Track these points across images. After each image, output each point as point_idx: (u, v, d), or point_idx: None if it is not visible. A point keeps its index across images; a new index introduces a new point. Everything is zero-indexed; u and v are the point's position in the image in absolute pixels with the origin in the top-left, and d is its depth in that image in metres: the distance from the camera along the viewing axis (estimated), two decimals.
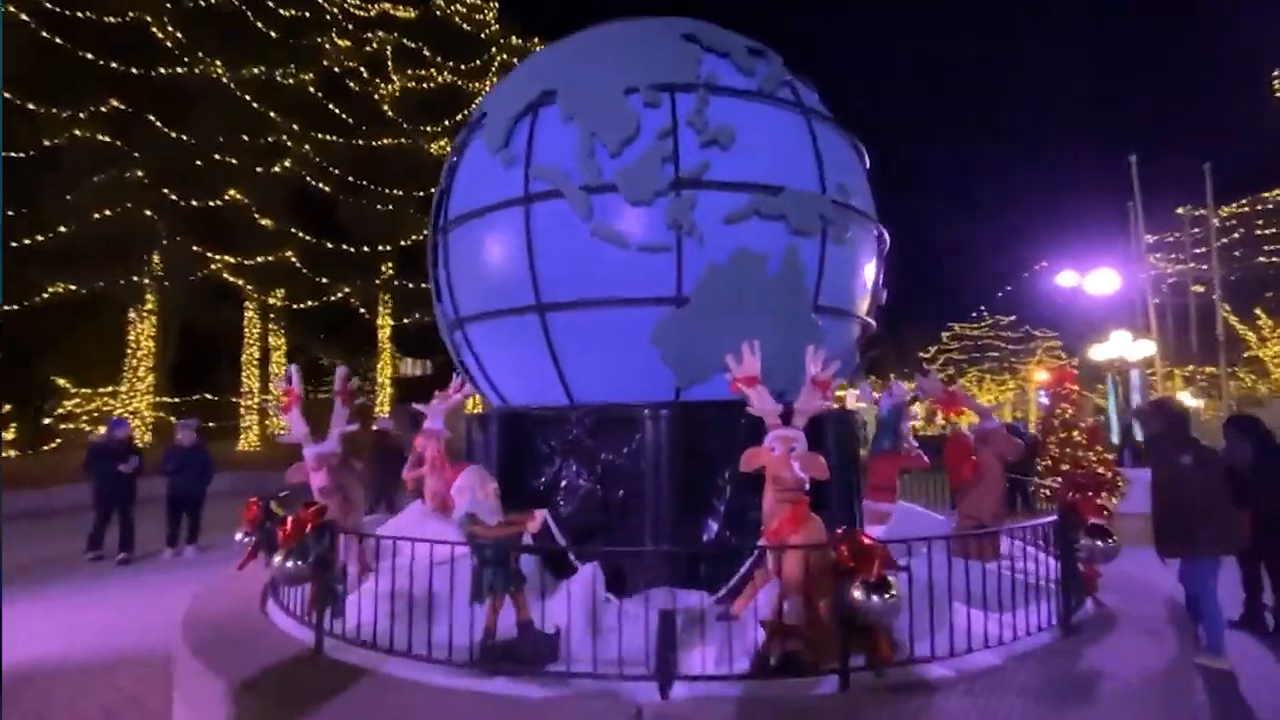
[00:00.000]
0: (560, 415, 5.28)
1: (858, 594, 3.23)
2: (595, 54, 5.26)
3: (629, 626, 3.76)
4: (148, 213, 15.14)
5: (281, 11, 19.83)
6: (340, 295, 24.33)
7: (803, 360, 5.00)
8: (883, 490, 7.45)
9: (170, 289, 19.82)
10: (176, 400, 24.47)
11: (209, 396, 25.88)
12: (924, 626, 3.68)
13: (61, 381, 19.98)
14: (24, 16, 12.16)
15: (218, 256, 19.18)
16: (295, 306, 23.92)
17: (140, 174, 14.42)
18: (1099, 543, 4.25)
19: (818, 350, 4.21)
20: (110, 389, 19.62)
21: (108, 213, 14.55)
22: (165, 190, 15.19)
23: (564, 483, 5.25)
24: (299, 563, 3.71)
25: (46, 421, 21.01)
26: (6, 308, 15.89)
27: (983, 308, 57.40)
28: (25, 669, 5.36)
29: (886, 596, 3.20)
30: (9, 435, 19.79)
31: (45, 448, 19.76)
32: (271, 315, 24.71)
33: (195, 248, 17.75)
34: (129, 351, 19.08)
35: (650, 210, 4.68)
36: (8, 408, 18.92)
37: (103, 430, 12.84)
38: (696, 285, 4.78)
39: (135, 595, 8.06)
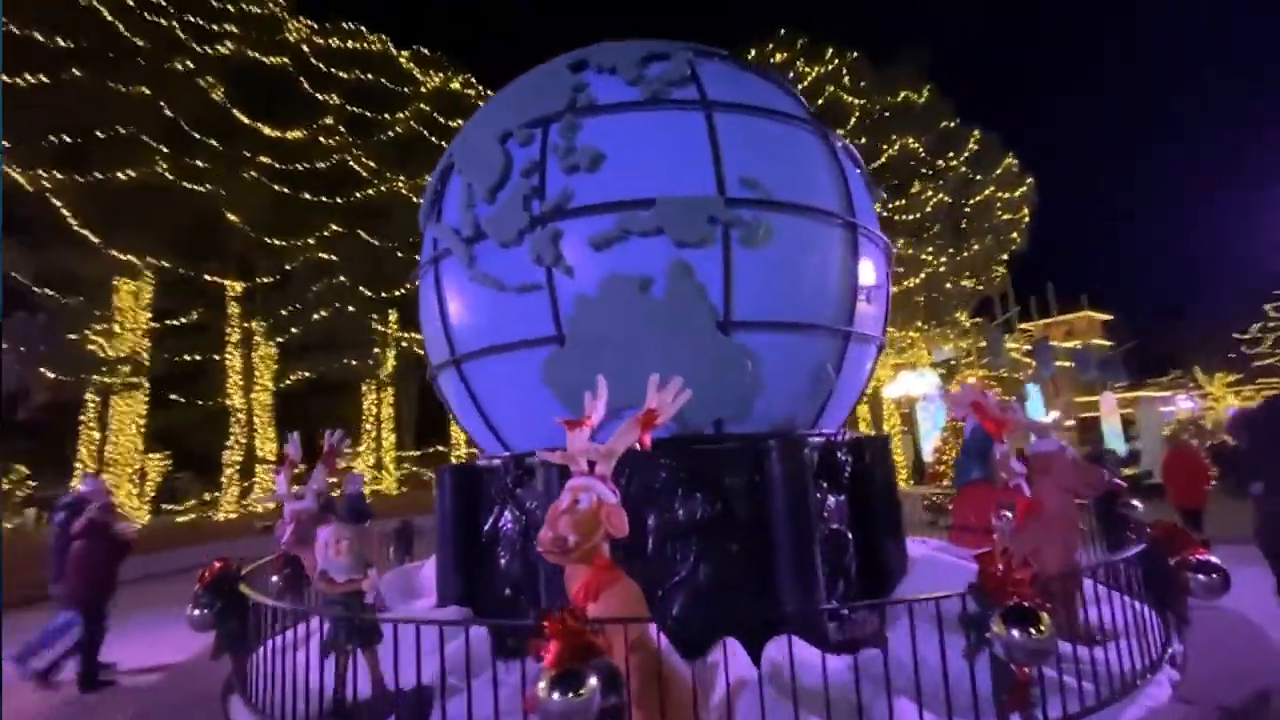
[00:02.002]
0: (496, 466, 5.24)
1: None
2: (487, 110, 5.33)
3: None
4: (350, 309, 18.86)
5: (453, 125, 23.54)
6: None
7: (729, 384, 4.37)
8: (971, 532, 5.95)
9: (397, 364, 24.11)
10: (416, 453, 29.32)
11: (440, 449, 30.47)
12: None
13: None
14: (255, 174, 16.46)
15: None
16: None
17: (344, 279, 18.16)
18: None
19: (665, 380, 3.59)
20: (359, 449, 24.48)
21: (324, 313, 18.59)
22: (362, 288, 18.90)
23: (502, 533, 5.16)
24: (203, 611, 4.19)
25: None
26: (284, 387, 20.86)
27: None
28: None
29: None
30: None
31: None
32: None
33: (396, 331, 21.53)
34: (364, 416, 23.71)
35: (519, 250, 4.53)
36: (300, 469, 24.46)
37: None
38: (570, 320, 4.45)
39: None
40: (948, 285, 16.83)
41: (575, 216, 4.42)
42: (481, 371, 5.03)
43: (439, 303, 5.18)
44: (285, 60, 18.67)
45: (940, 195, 17.66)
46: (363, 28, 21.18)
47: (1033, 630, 2.52)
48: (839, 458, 5.09)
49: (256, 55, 17.72)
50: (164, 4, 15.99)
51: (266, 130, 17.32)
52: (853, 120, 19.26)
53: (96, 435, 17.99)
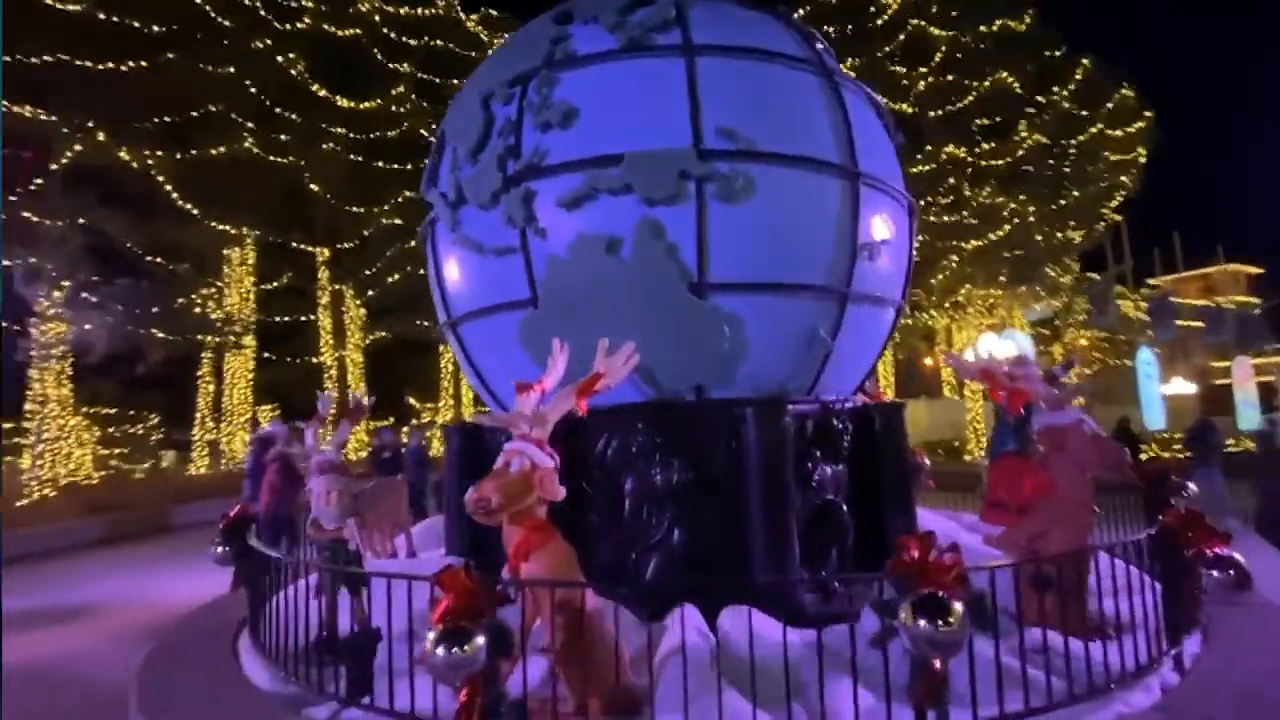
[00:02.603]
0: (494, 425, 5.38)
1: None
2: (478, 70, 5.25)
3: None
4: (421, 271, 19.84)
5: None
6: None
7: (704, 348, 4.24)
8: (1003, 510, 5.58)
9: None
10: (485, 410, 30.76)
11: None
12: None
13: (413, 401, 27.30)
14: (333, 145, 17.36)
15: None
16: None
17: (415, 244, 19.15)
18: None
19: (564, 345, 3.52)
20: (438, 405, 26.00)
21: (397, 276, 19.63)
22: None
23: None
24: (222, 549, 4.65)
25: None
26: (372, 346, 22.38)
27: None
28: None
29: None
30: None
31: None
32: None
33: None
34: (442, 375, 25.08)
35: (494, 212, 4.51)
36: (390, 421, 26.29)
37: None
38: (543, 283, 4.42)
39: None
40: (1038, 237, 15.17)
41: (548, 176, 4.33)
42: (472, 334, 5.12)
43: (435, 267, 5.29)
44: (358, 31, 19.33)
45: (1038, 135, 15.81)
46: None
47: (940, 621, 2.29)
48: (835, 425, 4.81)
49: (331, 28, 18.46)
50: None
51: (342, 102, 18.14)
52: (938, 56, 17.53)
53: (212, 388, 20.19)
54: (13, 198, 12.00)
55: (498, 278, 4.65)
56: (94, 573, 9.50)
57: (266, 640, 3.90)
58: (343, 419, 6.16)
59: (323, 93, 17.99)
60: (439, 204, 4.95)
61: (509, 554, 3.27)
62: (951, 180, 16.52)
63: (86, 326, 12.91)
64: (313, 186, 17.57)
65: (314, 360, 22.34)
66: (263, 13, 17.01)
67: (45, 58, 12.48)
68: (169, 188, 14.60)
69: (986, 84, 16.71)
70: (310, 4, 18.04)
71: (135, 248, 14.32)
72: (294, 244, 18.99)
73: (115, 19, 13.54)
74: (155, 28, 14.24)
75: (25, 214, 11.95)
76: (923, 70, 17.71)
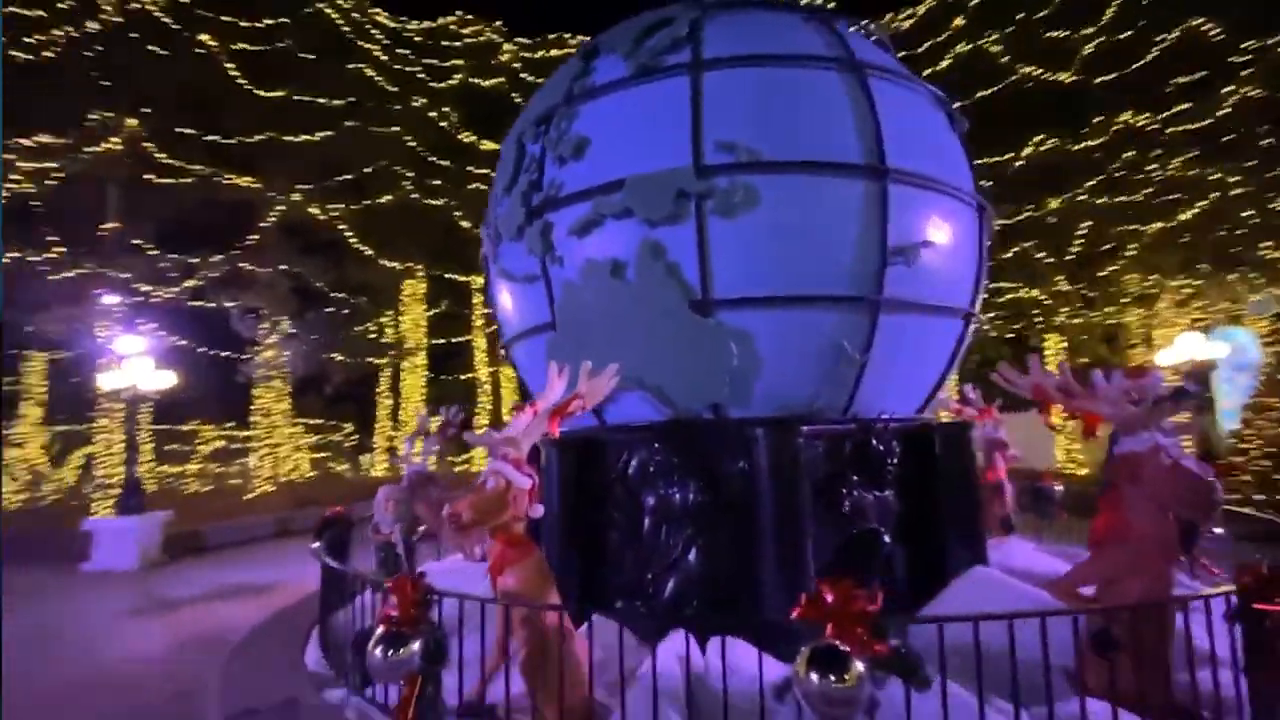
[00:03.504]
0: None
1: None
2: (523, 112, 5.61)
3: None
4: None
5: None
6: None
7: (702, 368, 4.25)
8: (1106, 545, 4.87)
9: None
10: None
11: None
12: None
13: None
14: (482, 185, 19.39)
15: None
16: None
17: None
18: None
19: (562, 369, 3.64)
20: None
21: None
22: None
23: None
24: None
25: None
26: None
27: None
28: None
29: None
30: None
31: None
32: None
33: None
34: None
35: (520, 243, 4.83)
36: None
37: None
38: (560, 308, 4.63)
39: None
40: (1247, 213, 12.20)
41: (563, 206, 4.55)
42: (520, 356, 5.48)
43: (490, 296, 5.76)
44: (502, 80, 21.36)
45: (1247, 90, 12.81)
46: (566, 34, 23.07)
47: (835, 677, 2.05)
48: (876, 447, 4.43)
49: (478, 81, 20.64)
50: (408, 54, 19.56)
51: (485, 145, 20.13)
52: (1109, 12, 15.03)
53: (390, 402, 23.34)
54: (235, 251, 15.06)
55: (528, 304, 4.96)
56: (289, 557, 11.43)
57: (325, 629, 4.52)
58: (437, 434, 6.88)
59: (470, 139, 20.11)
60: (486, 239, 5.39)
61: (489, 567, 3.50)
62: (1131, 153, 14.03)
63: (286, 353, 15.71)
64: (464, 224, 19.67)
65: (473, 376, 24.86)
66: (420, 75, 19.53)
67: (256, 137, 15.49)
68: (350, 234, 17.26)
69: (1175, 35, 14.00)
70: (460, 61, 20.35)
71: (325, 286, 17.14)
72: (450, 275, 21.34)
73: (306, 98, 16.39)
74: (336, 101, 17.00)
75: (242, 265, 14.94)
76: (1088, 31, 15.34)
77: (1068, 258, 14.55)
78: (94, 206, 13.64)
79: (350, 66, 17.50)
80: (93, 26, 13.02)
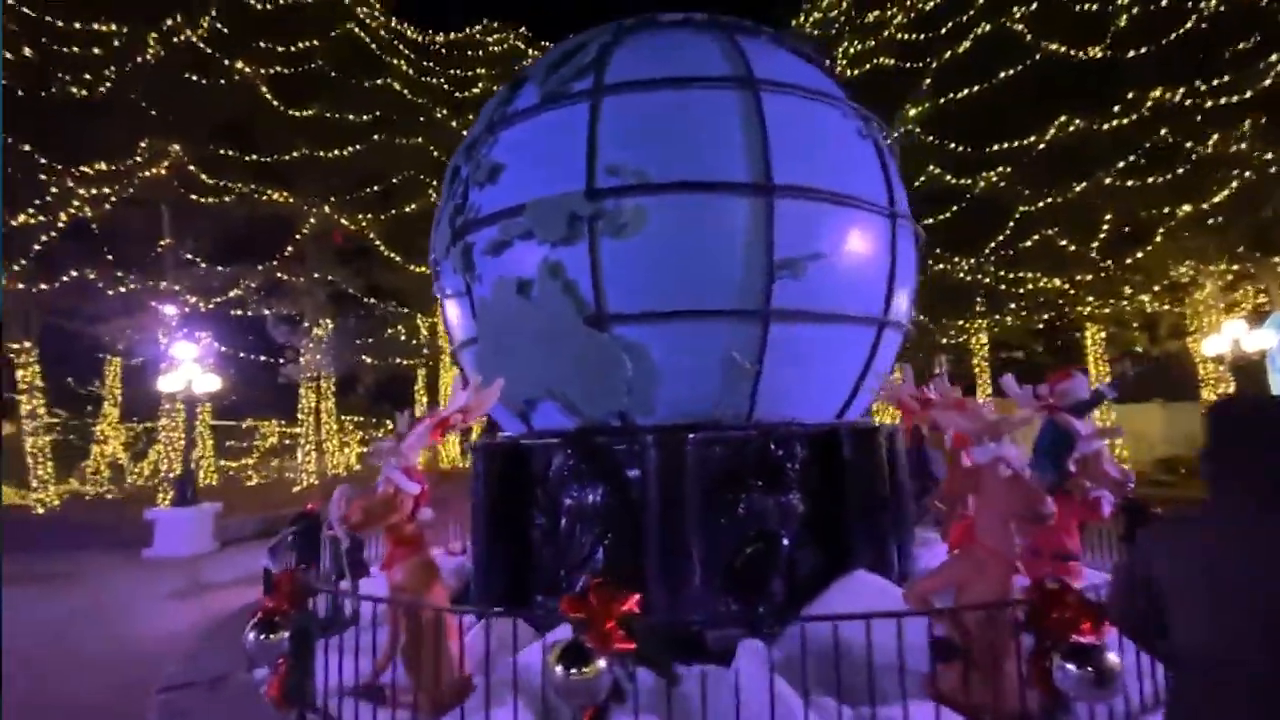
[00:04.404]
0: None
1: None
2: None
3: None
4: None
5: None
6: None
7: (601, 379, 4.54)
8: (1038, 558, 4.95)
9: None
10: None
11: None
12: None
13: None
14: None
15: None
16: None
17: None
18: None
19: (467, 384, 3.99)
20: None
21: None
22: None
23: None
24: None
25: None
26: None
27: None
28: None
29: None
30: None
31: None
32: None
33: None
34: None
35: (449, 262, 5.21)
36: None
37: None
38: (480, 323, 4.99)
39: None
40: None
41: (479, 228, 4.89)
42: (464, 365, 5.87)
43: (441, 309, 6.18)
44: None
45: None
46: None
47: (575, 670, 2.30)
48: (774, 452, 4.59)
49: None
50: (433, 65, 20.40)
51: None
52: None
53: (425, 400, 24.51)
54: (273, 262, 16.23)
55: (460, 319, 5.34)
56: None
57: None
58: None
59: None
60: (431, 257, 5.81)
61: (382, 564, 3.90)
62: (1164, 130, 13.20)
63: (318, 357, 16.83)
64: None
65: None
66: (446, 87, 20.32)
67: (292, 154, 16.59)
68: (378, 242, 18.23)
69: (1214, 2, 13.05)
70: (483, 70, 21.04)
71: (357, 292, 18.21)
72: None
73: (337, 115, 17.38)
74: (365, 116, 17.94)
75: (280, 274, 16.10)
76: (1122, 3, 14.48)
77: (1094, 244, 13.87)
78: (149, 227, 15.01)
79: (378, 82, 18.41)
80: (141, 59, 14.27)
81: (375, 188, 18.08)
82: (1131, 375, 4.62)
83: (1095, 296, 14.49)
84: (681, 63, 4.74)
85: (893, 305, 5.02)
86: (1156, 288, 13.64)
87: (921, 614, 3.23)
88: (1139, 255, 13.43)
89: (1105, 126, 13.70)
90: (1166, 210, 12.90)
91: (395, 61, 19.55)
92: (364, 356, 17.92)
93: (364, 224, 17.80)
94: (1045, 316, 15.75)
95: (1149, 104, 13.30)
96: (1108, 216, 13.56)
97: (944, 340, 17.57)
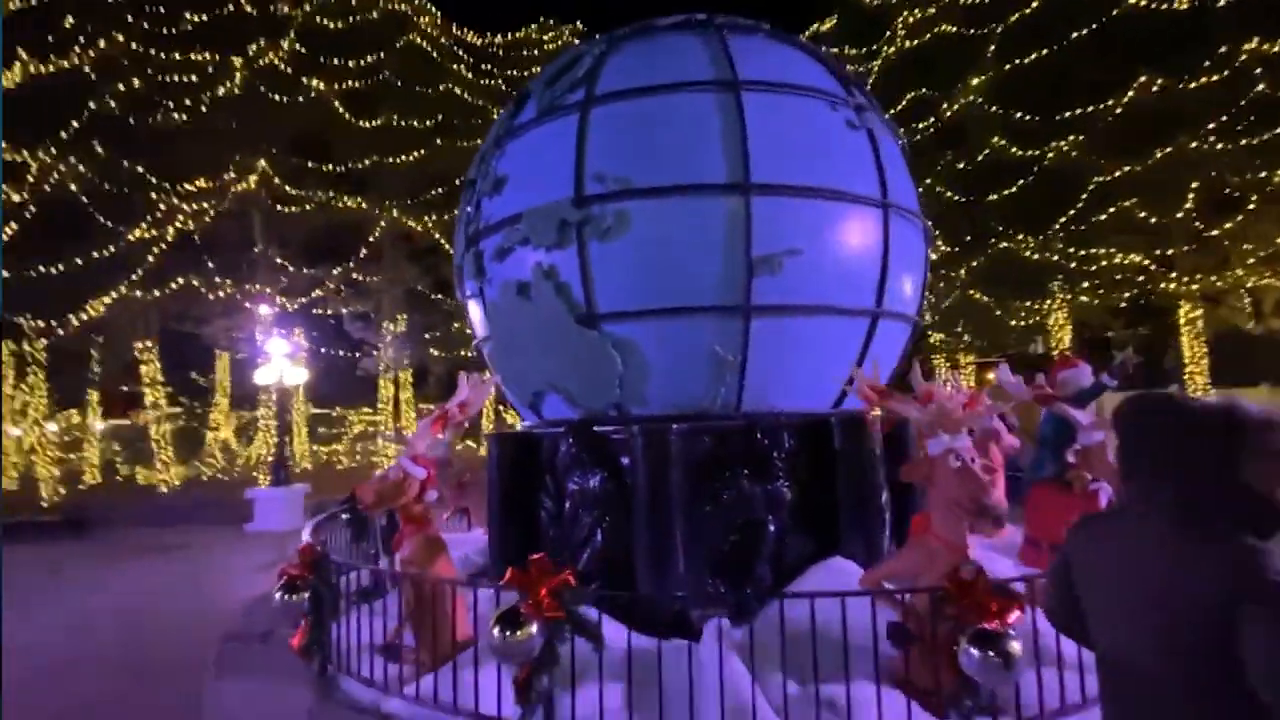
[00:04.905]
0: None
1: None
2: None
3: None
4: None
5: None
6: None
7: (594, 374, 4.91)
8: (1037, 549, 5.05)
9: None
10: None
11: None
12: None
13: None
14: None
15: None
16: None
17: None
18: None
19: (471, 379, 4.44)
20: None
21: None
22: None
23: None
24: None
25: None
26: None
27: None
28: None
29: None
30: None
31: None
32: None
33: None
34: None
35: (465, 266, 5.68)
36: None
37: None
38: (490, 323, 5.43)
39: None
40: None
41: (488, 236, 5.31)
42: (485, 357, 6.37)
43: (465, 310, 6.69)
44: None
45: None
46: None
47: (509, 633, 2.66)
48: (760, 441, 4.77)
49: None
50: (491, 67, 21.22)
51: None
52: None
53: None
54: (351, 264, 17.62)
55: (477, 319, 5.81)
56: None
57: None
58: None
59: None
60: (455, 264, 6.31)
61: (393, 541, 4.43)
62: (1260, 86, 11.91)
63: (390, 352, 18.15)
64: None
65: None
66: (505, 87, 21.11)
67: (364, 161, 17.86)
68: (444, 241, 19.33)
69: None
70: (539, 69, 21.64)
71: (425, 289, 19.43)
72: None
73: (403, 123, 18.51)
74: (429, 122, 19.00)
75: (355, 275, 17.48)
76: None
77: (1179, 214, 12.75)
78: (241, 235, 16.68)
79: (440, 88, 19.42)
80: (230, 84, 15.82)
81: (441, 189, 19.13)
82: (1132, 363, 4.36)
83: (1181, 271, 13.33)
84: (668, 69, 4.94)
85: (887, 297, 5.04)
86: (1251, 260, 12.39)
87: (862, 594, 3.37)
88: (1227, 226, 12.24)
89: (1193, 85, 12.53)
90: (1264, 174, 11.68)
91: (455, 67, 20.54)
92: (432, 350, 19.14)
93: (430, 224, 18.91)
94: (1126, 295, 14.62)
95: (1242, 57, 12.03)
96: (1194, 184, 12.42)
97: (1015, 323, 16.68)
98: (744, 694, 3.28)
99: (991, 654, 2.51)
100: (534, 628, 2.69)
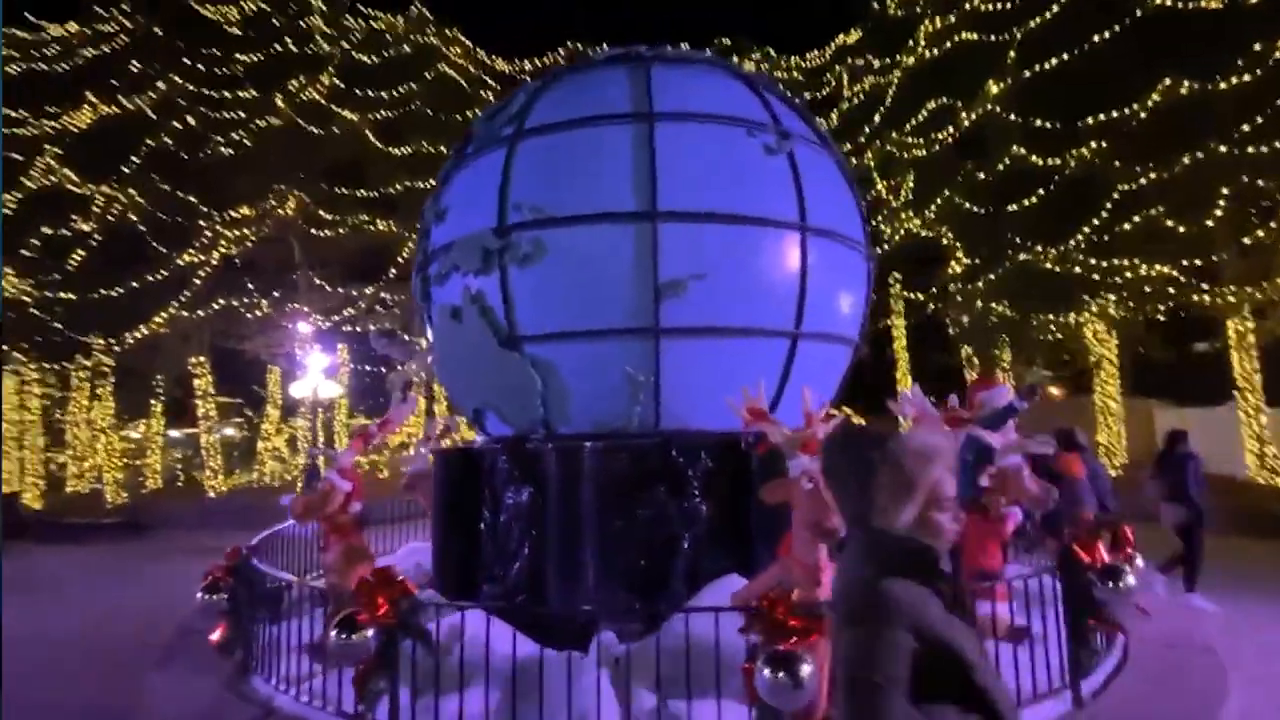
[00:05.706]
0: None
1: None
2: None
3: None
4: None
5: None
6: None
7: (518, 393, 5.18)
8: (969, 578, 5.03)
9: None
10: None
11: None
12: None
13: None
14: None
15: None
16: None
17: None
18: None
19: (405, 397, 4.77)
20: None
21: None
22: None
23: None
24: None
25: None
26: None
27: None
28: None
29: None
30: None
31: None
32: None
33: None
34: None
35: (418, 291, 6.05)
36: None
37: None
38: (434, 343, 5.77)
39: None
40: None
41: (431, 262, 5.66)
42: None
43: None
44: None
45: None
46: None
47: (346, 635, 2.90)
48: (675, 459, 4.89)
49: None
50: None
51: None
52: None
53: None
54: (380, 283, 18.59)
55: (429, 339, 6.16)
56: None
57: None
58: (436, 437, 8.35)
59: None
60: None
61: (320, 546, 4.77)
62: None
63: (413, 365, 18.94)
64: None
65: None
66: None
67: (395, 187, 18.84)
68: None
69: None
70: None
71: None
72: None
73: (433, 150, 19.43)
74: (444, 149, 19.90)
75: (384, 294, 18.41)
76: None
77: (1209, 223, 12.01)
78: (280, 258, 17.87)
79: (468, 114, 20.29)
80: (272, 118, 17.06)
81: None
82: (1043, 385, 4.20)
83: (1223, 282, 12.50)
84: (589, 103, 5.19)
85: (808, 318, 5.09)
86: None
87: (730, 610, 3.45)
88: (1258, 234, 11.45)
89: (1224, 86, 11.84)
90: None
91: (483, 93, 21.40)
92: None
93: None
94: (1161, 307, 13.79)
95: (1277, 54, 11.31)
96: (1224, 190, 11.70)
97: (1042, 337, 16.00)
98: (607, 708, 3.40)
99: (781, 675, 2.58)
100: (369, 632, 2.94)
